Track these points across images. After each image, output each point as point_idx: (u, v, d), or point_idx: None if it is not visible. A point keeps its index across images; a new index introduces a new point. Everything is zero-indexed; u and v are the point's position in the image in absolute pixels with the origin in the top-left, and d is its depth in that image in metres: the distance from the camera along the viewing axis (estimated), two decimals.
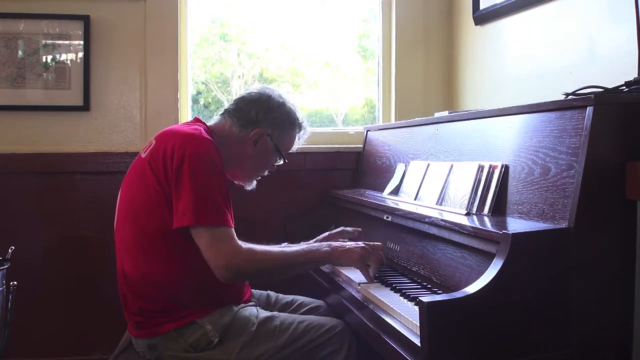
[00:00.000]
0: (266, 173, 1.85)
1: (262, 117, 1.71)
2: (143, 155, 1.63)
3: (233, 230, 1.53)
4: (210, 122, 1.76)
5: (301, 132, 1.82)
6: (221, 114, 1.77)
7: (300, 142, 1.85)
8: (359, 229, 1.90)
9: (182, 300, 1.56)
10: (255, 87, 1.81)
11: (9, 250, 1.96)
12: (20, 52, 2.39)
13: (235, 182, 1.82)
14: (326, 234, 1.89)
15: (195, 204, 1.47)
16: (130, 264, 1.58)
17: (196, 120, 1.74)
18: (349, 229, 1.90)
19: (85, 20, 2.40)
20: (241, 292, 1.69)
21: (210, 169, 1.51)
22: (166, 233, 1.52)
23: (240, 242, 1.53)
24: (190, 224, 1.48)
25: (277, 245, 1.91)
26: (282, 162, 1.81)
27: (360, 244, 1.67)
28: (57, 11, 2.40)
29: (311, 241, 1.86)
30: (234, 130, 1.71)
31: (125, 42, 2.46)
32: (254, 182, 1.84)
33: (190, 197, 1.47)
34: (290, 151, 1.84)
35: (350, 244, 1.68)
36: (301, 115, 1.80)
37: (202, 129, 1.64)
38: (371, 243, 1.69)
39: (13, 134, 2.38)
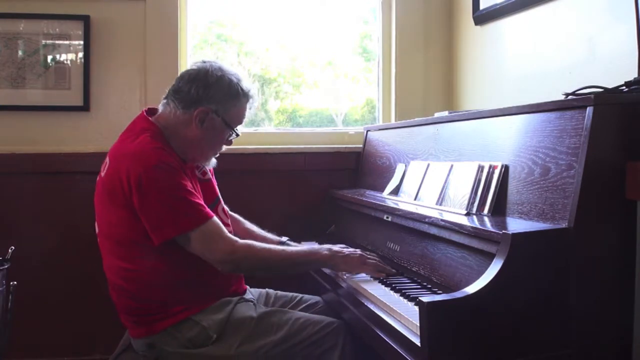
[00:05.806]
0: (224, 148, 1.76)
1: (203, 94, 1.62)
2: (102, 174, 1.63)
3: (215, 219, 1.56)
4: (157, 114, 1.69)
5: (250, 102, 1.71)
6: (164, 99, 1.68)
7: (252, 112, 1.77)
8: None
9: (172, 297, 1.58)
10: (195, 63, 1.71)
11: (9, 250, 1.95)
12: (20, 52, 2.38)
13: (195, 164, 1.76)
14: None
15: (171, 214, 1.50)
16: (113, 272, 1.62)
17: (142, 119, 1.67)
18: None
19: (85, 20, 2.40)
20: (230, 284, 1.71)
21: (166, 175, 1.51)
22: (142, 242, 1.54)
23: (231, 236, 1.58)
24: (175, 234, 1.51)
25: (279, 238, 1.96)
26: (235, 135, 1.73)
27: (358, 251, 1.70)
28: (57, 11, 2.39)
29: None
30: (178, 114, 1.64)
31: (125, 42, 2.46)
32: (213, 160, 1.77)
33: (163, 210, 1.50)
34: (243, 122, 1.75)
35: (349, 250, 1.69)
36: (246, 84, 1.69)
37: (148, 134, 1.59)
38: (368, 254, 1.71)
39: (13, 134, 2.37)
